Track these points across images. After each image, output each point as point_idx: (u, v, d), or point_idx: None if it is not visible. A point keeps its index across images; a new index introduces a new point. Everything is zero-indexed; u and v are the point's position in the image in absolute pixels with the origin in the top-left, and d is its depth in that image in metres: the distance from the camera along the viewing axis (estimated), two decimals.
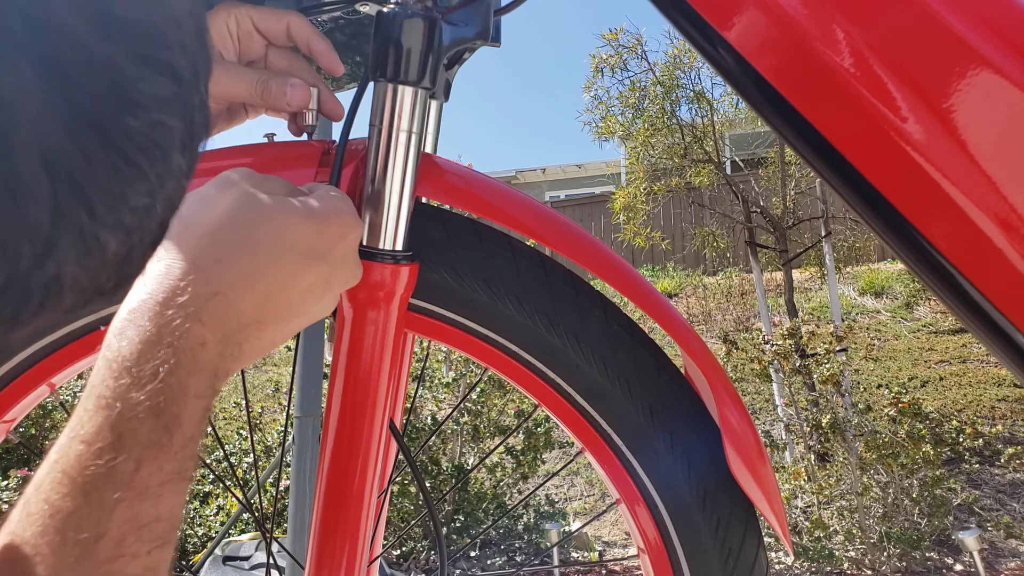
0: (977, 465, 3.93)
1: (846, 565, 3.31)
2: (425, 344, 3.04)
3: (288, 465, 2.33)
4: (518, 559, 3.64)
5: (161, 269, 0.45)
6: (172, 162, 0.25)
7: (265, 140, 0.67)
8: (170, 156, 0.25)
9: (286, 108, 0.62)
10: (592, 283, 0.73)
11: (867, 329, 6.12)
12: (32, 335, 0.64)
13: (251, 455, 4.00)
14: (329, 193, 0.54)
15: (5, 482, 3.44)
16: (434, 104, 0.75)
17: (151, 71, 0.24)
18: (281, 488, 3.14)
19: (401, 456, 0.78)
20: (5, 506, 3.32)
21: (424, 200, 0.71)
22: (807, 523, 3.37)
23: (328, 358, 0.70)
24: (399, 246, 0.62)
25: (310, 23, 0.64)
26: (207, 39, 0.27)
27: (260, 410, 5.10)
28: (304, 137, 0.66)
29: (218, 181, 0.50)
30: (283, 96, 0.60)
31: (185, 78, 0.25)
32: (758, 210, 4.71)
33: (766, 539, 2.00)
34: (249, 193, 0.49)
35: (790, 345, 3.56)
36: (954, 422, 3.77)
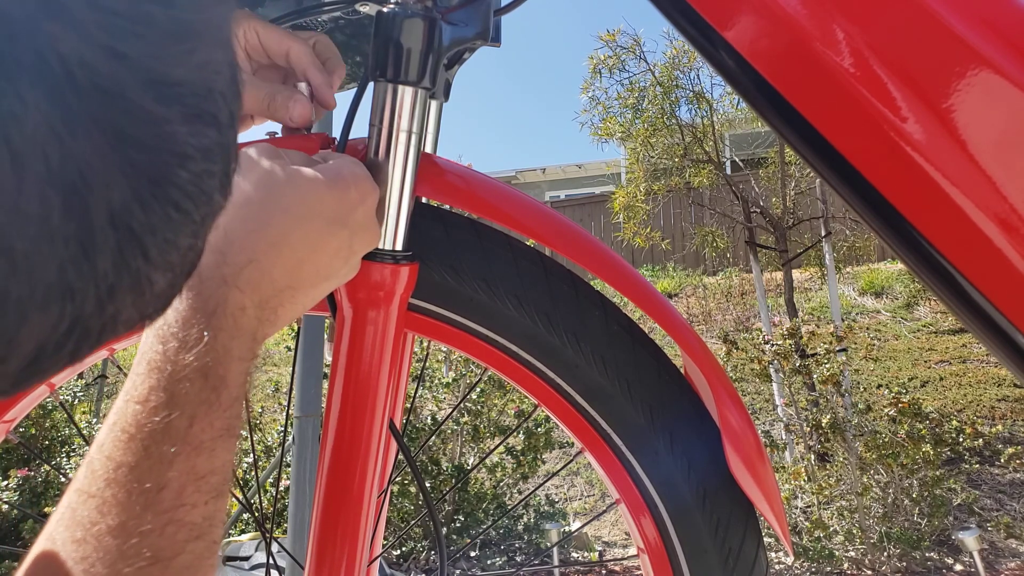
0: (977, 465, 3.93)
1: (846, 565, 3.31)
2: (425, 344, 3.04)
3: (288, 465, 2.33)
4: (518, 559, 3.64)
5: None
6: (214, 203, 0.28)
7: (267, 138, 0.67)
8: (212, 198, 0.27)
9: (288, 123, 0.63)
10: (592, 283, 0.73)
11: (867, 329, 6.12)
12: None
13: (251, 455, 4.00)
14: (345, 160, 0.56)
15: (5, 482, 3.44)
16: (434, 104, 0.75)
17: (199, 125, 0.26)
18: (281, 488, 3.14)
19: (401, 456, 0.78)
20: (5, 506, 3.32)
21: (424, 200, 0.71)
22: (807, 523, 3.37)
23: (328, 358, 0.70)
24: (399, 246, 0.62)
25: (311, 53, 0.64)
26: (240, 83, 0.29)
27: (260, 410, 5.10)
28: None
29: (241, 159, 0.52)
30: (286, 111, 0.63)
31: (224, 124, 0.27)
32: (758, 210, 4.71)
33: (766, 539, 2.00)
34: (272, 166, 0.52)
35: (790, 345, 3.56)
36: (954, 422, 3.77)
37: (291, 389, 1.57)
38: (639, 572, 0.73)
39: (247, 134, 0.67)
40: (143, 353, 0.44)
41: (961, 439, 3.72)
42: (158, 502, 0.41)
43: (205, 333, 0.44)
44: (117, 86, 0.23)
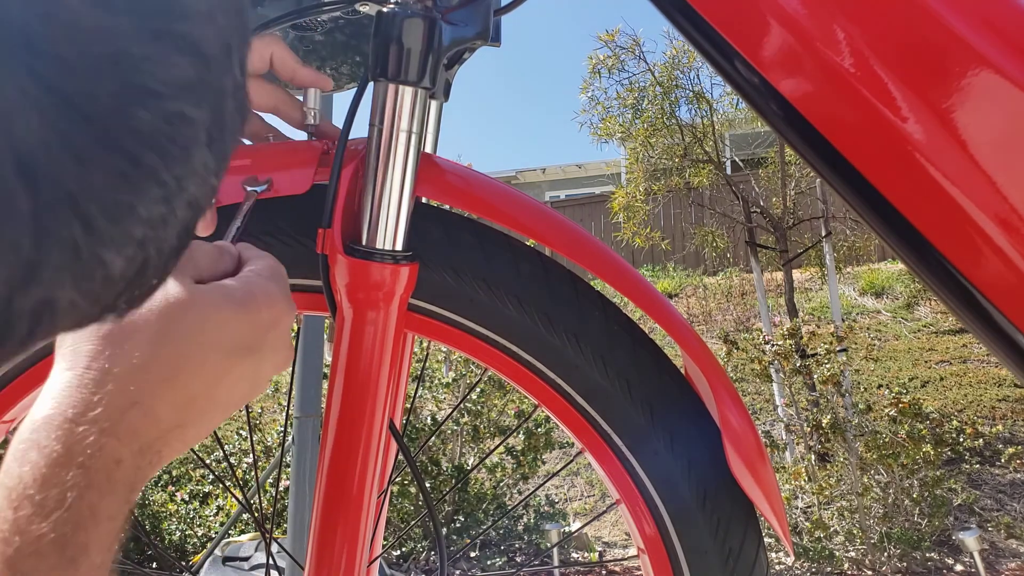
0: (977, 465, 3.93)
1: (846, 565, 3.30)
2: (425, 344, 3.04)
3: (288, 465, 2.33)
4: (518, 559, 3.64)
5: (70, 379, 0.39)
6: (194, 160, 0.21)
7: (269, 138, 0.67)
8: (192, 153, 0.21)
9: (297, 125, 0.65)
10: (592, 283, 0.73)
11: (867, 329, 6.12)
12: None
13: (251, 455, 4.00)
14: (259, 273, 0.48)
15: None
16: (434, 104, 0.75)
17: (166, 49, 0.19)
18: (281, 488, 3.14)
19: (401, 456, 0.78)
20: None
21: (424, 200, 0.71)
22: (807, 523, 3.36)
23: (328, 358, 0.70)
24: (399, 246, 0.62)
25: (292, 52, 0.63)
26: (244, 5, 0.23)
27: (260, 410, 5.09)
28: (304, 137, 0.66)
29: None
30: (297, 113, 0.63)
31: (212, 56, 0.21)
32: (758, 210, 4.71)
33: (766, 539, 2.00)
34: (170, 282, 0.43)
35: (790, 345, 3.56)
36: (954, 422, 3.77)
37: (291, 389, 1.57)
38: (639, 572, 0.73)
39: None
40: None
41: (961, 439, 3.72)
42: None
43: (69, 494, 0.36)
44: None
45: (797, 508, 3.53)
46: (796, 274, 5.71)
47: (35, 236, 0.18)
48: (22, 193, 0.17)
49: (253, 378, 0.47)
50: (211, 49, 0.21)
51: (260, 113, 0.66)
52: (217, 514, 3.68)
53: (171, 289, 0.42)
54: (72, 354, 0.40)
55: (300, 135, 0.67)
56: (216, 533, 3.30)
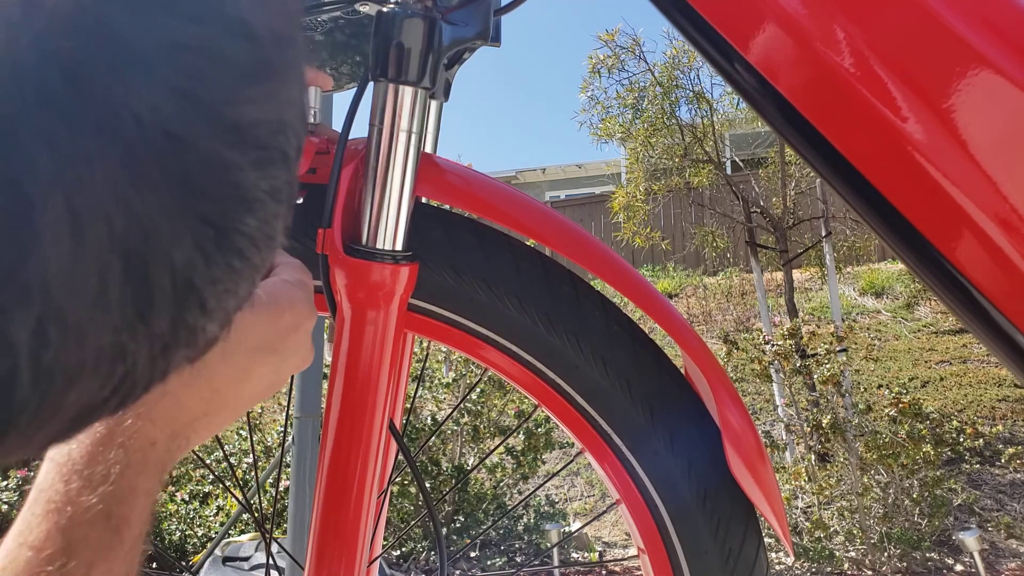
0: (977, 465, 3.93)
1: (846, 566, 3.30)
2: (425, 344, 3.04)
3: (288, 465, 2.33)
4: (518, 559, 3.64)
5: None
6: (275, 244, 0.26)
7: None
8: (275, 240, 0.25)
9: None
10: (592, 283, 0.73)
11: (867, 329, 6.12)
12: None
13: (251, 455, 4.00)
14: (284, 280, 0.53)
15: (5, 482, 3.44)
16: (434, 104, 0.75)
17: (270, 168, 0.23)
18: (281, 488, 3.14)
19: (401, 456, 0.78)
20: (5, 506, 3.32)
21: (424, 200, 0.71)
22: (807, 523, 3.36)
23: (328, 358, 0.70)
24: (399, 246, 0.62)
25: None
26: (307, 112, 0.27)
27: (260, 410, 5.10)
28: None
29: None
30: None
31: (293, 160, 0.25)
32: (758, 210, 4.71)
33: (766, 539, 2.00)
34: None
35: (790, 345, 3.56)
36: (954, 422, 3.77)
37: (291, 389, 1.57)
38: (639, 572, 0.73)
39: None
40: (41, 490, 0.41)
41: (961, 439, 3.72)
42: None
43: (112, 470, 0.41)
44: (189, 133, 0.21)
45: (797, 508, 3.53)
46: (796, 274, 5.71)
47: (173, 323, 0.22)
48: (171, 294, 0.22)
49: (274, 376, 0.51)
50: (293, 155, 0.25)
51: None
52: (217, 514, 3.68)
53: None
54: None
55: None
56: (216, 533, 3.30)
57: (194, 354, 0.25)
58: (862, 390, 4.75)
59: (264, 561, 2.73)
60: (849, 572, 3.28)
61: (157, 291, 0.21)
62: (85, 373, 0.21)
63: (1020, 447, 3.86)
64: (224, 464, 3.89)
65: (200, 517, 3.68)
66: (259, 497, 3.31)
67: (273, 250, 0.25)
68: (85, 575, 0.39)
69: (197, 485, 3.98)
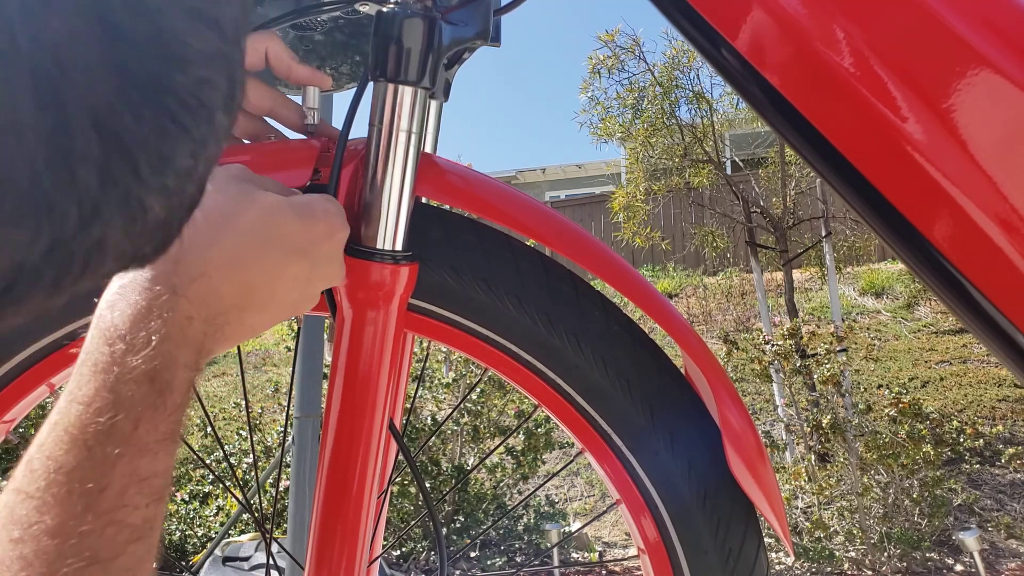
0: (977, 465, 3.93)
1: (846, 566, 3.30)
2: (425, 344, 3.04)
3: (288, 465, 2.33)
4: (518, 559, 3.64)
5: None
6: (215, 122, 0.24)
7: (271, 138, 0.67)
8: (214, 115, 0.24)
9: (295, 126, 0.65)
10: (592, 283, 0.73)
11: (867, 329, 6.12)
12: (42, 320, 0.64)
13: (251, 455, 4.00)
14: (319, 196, 0.56)
15: (5, 482, 3.44)
16: (434, 104, 0.75)
17: (199, 24, 0.23)
18: (281, 488, 3.14)
19: (401, 456, 0.78)
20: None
21: (424, 200, 0.71)
22: (807, 523, 3.36)
23: (328, 358, 0.70)
24: (399, 246, 0.62)
25: (288, 48, 0.64)
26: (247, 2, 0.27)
27: (260, 410, 5.10)
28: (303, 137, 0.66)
29: (214, 176, 0.51)
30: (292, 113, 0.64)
31: (229, 33, 0.24)
32: (758, 210, 4.71)
33: (766, 539, 2.00)
34: (241, 187, 0.51)
35: (790, 345, 3.56)
36: (954, 422, 3.77)
37: (291, 389, 1.57)
38: (639, 572, 0.73)
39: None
40: (88, 353, 0.43)
41: (961, 439, 3.72)
42: (99, 503, 0.40)
43: (153, 337, 0.43)
44: None
45: (797, 508, 3.53)
46: (796, 274, 5.71)
47: (101, 179, 0.21)
48: (96, 142, 0.20)
49: (306, 284, 0.54)
50: (228, 27, 0.24)
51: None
52: (217, 514, 3.68)
53: (241, 191, 0.50)
54: None
55: (298, 138, 0.67)
56: (216, 533, 3.30)
57: (135, 234, 0.24)
58: (862, 390, 4.75)
59: (264, 561, 2.73)
60: (849, 572, 3.28)
61: (76, 130, 0.20)
62: (4, 219, 0.19)
63: (1020, 447, 3.86)
64: (224, 464, 3.89)
65: (200, 517, 3.68)
66: (259, 497, 3.31)
67: (211, 127, 0.24)
68: (132, 429, 0.41)
69: (197, 485, 3.98)
